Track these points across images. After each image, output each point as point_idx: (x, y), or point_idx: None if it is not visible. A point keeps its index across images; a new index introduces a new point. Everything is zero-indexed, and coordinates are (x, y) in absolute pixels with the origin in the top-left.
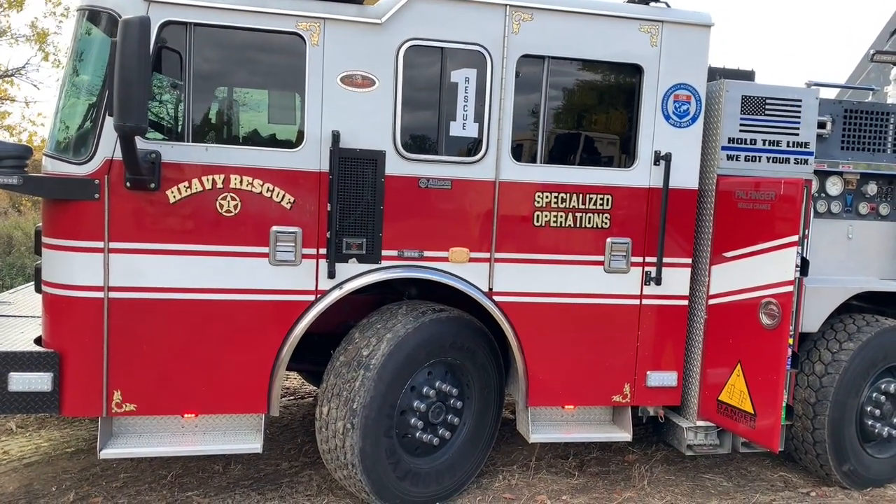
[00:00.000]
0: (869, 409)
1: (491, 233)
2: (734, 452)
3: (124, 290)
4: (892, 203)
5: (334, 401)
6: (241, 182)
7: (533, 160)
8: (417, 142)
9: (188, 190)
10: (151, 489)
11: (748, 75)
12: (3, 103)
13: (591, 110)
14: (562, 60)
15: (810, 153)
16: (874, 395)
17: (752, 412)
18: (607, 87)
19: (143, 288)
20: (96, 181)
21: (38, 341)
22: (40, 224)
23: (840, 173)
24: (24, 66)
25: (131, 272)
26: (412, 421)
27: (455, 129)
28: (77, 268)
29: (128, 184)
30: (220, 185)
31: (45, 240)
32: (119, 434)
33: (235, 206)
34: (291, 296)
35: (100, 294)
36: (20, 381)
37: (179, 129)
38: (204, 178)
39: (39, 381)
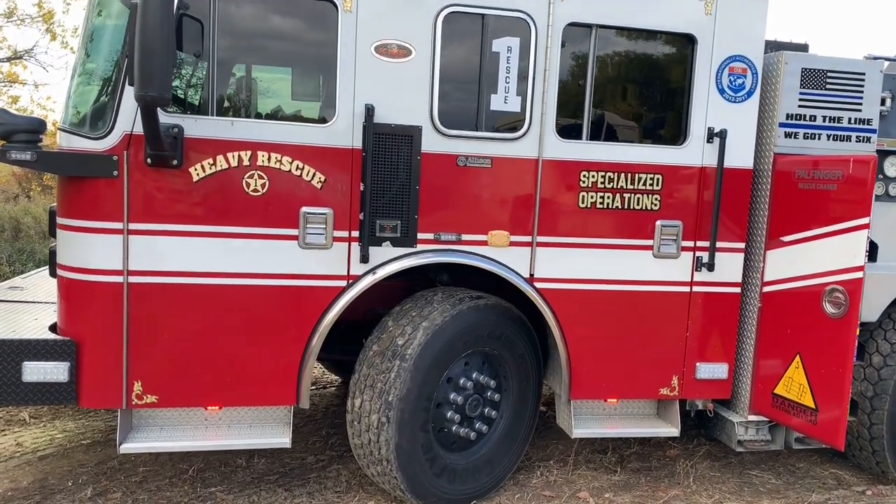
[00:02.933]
0: None
1: (533, 215)
2: (785, 448)
3: (145, 273)
4: None
5: (367, 392)
6: (268, 159)
7: (578, 137)
8: (456, 117)
9: (213, 167)
10: (172, 484)
11: (802, 48)
12: (12, 86)
13: (641, 83)
14: (610, 29)
15: (873, 131)
16: None
17: (814, 406)
18: (658, 59)
19: (165, 272)
20: (115, 157)
21: (53, 328)
22: (55, 204)
23: None
24: (32, 48)
25: (152, 255)
26: (448, 414)
27: (496, 103)
28: (94, 250)
29: (148, 160)
30: (246, 163)
31: (60, 220)
32: (139, 427)
33: (263, 185)
34: (322, 281)
35: (119, 278)
36: (35, 371)
37: (203, 103)
38: (229, 155)
39: (55, 371)
